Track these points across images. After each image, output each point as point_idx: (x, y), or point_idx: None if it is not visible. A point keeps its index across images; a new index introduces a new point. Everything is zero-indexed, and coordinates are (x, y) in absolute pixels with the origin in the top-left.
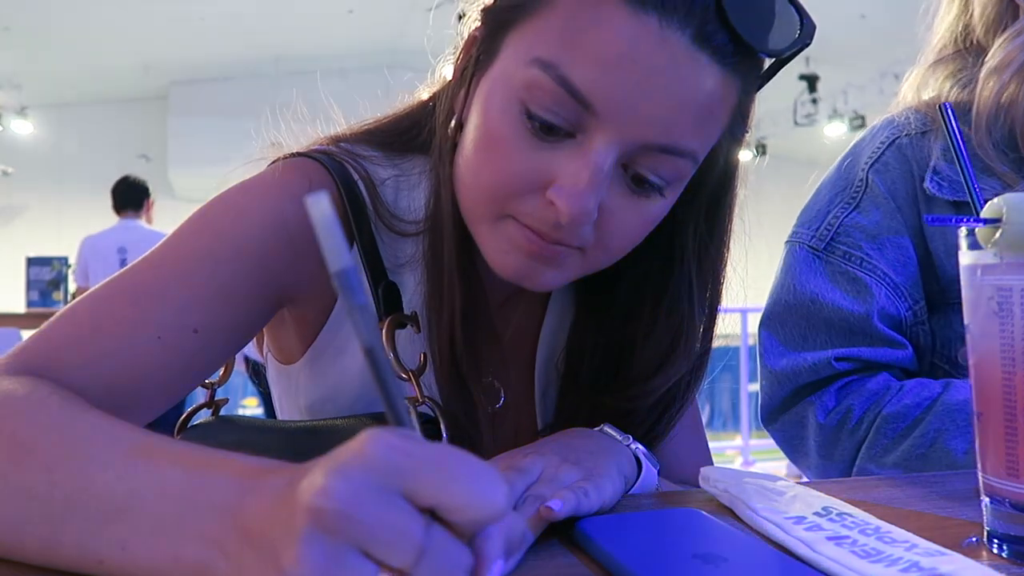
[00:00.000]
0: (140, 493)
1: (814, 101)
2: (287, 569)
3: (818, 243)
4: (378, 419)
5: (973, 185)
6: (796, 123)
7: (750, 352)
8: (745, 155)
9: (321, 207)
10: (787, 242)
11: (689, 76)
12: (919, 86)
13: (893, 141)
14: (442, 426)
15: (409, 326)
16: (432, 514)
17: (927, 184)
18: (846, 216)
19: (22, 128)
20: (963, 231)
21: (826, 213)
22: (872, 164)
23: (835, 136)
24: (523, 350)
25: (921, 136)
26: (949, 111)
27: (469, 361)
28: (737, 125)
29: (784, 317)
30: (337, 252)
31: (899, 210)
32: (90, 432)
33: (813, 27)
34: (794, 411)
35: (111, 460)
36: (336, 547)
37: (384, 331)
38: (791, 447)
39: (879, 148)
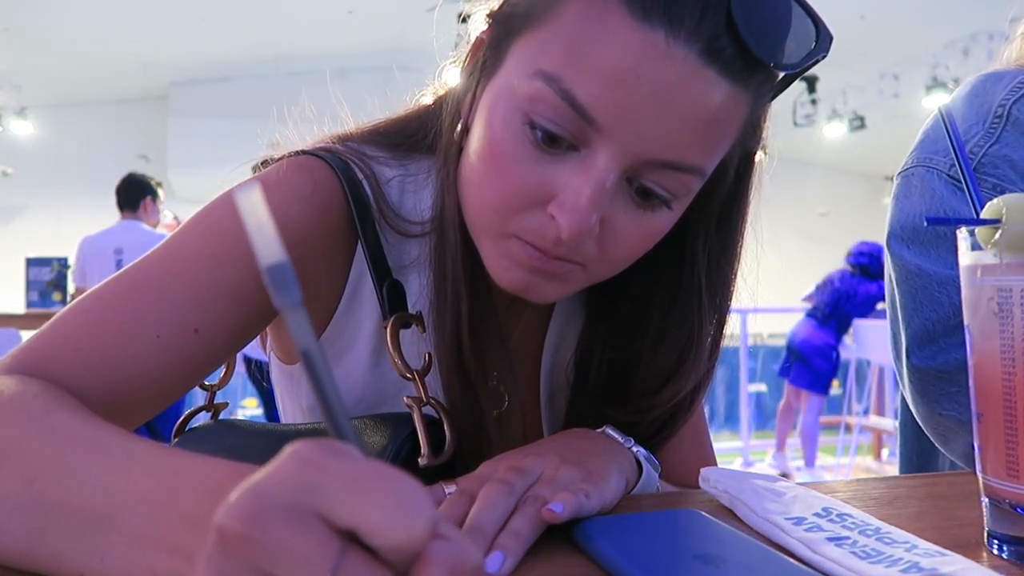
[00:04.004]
0: (117, 504)
1: (813, 102)
2: None
3: (959, 173)
4: (379, 420)
5: (973, 187)
6: (795, 124)
7: (750, 352)
8: (759, 161)
9: (251, 200)
10: (915, 168)
11: (696, 92)
12: None
13: None
14: (447, 428)
15: (414, 326)
16: (354, 538)
17: None
18: (989, 146)
19: (22, 128)
20: (963, 231)
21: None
22: (1016, 100)
23: (834, 137)
24: (529, 352)
25: None
26: (949, 116)
27: (475, 364)
28: (749, 137)
29: (935, 240)
30: (269, 246)
31: None
32: (70, 439)
33: (830, 38)
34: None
35: (90, 470)
36: (238, 570)
37: (388, 330)
38: (944, 380)
39: (1020, 85)
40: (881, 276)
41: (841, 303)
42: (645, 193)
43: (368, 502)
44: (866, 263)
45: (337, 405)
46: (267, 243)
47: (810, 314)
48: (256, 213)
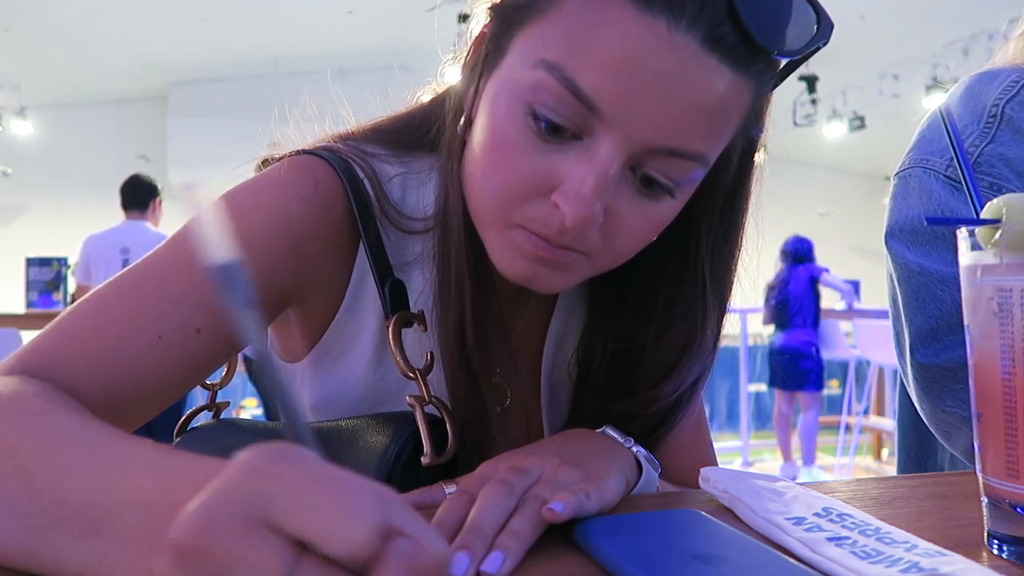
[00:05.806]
0: (115, 505)
1: (813, 102)
2: None
3: (956, 173)
4: (382, 420)
5: (973, 187)
6: (795, 124)
7: (750, 352)
8: (760, 155)
9: (199, 198)
10: (912, 168)
11: (698, 79)
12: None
13: None
14: (448, 427)
15: (416, 325)
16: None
17: None
18: (985, 146)
19: (22, 128)
20: (963, 231)
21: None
22: (1009, 99)
23: (834, 137)
24: (531, 348)
25: None
26: (949, 116)
27: (479, 359)
28: (751, 126)
29: (934, 239)
30: (217, 245)
31: None
32: (68, 439)
33: (831, 25)
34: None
35: (87, 470)
36: None
37: (391, 329)
38: (949, 377)
39: (1013, 85)
40: (808, 259)
41: (791, 290)
42: (649, 182)
43: (313, 510)
44: (803, 247)
45: (291, 406)
46: (216, 242)
47: (779, 325)
48: (203, 212)
